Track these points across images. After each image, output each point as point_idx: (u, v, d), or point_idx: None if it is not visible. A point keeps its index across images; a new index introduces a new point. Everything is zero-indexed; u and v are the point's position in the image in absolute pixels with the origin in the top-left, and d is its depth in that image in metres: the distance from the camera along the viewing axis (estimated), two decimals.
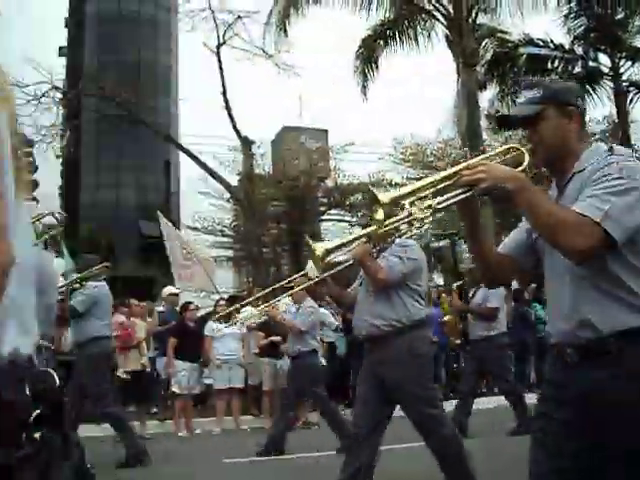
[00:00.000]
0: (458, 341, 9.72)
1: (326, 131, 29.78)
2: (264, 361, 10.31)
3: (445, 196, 2.20)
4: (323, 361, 10.41)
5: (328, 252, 3.80)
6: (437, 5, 16.63)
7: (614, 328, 2.09)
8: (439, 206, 2.18)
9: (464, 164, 2.20)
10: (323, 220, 25.91)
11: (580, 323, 2.15)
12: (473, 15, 16.37)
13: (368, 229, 4.20)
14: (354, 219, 25.20)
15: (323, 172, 24.01)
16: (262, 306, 7.06)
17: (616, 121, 19.61)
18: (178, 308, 10.91)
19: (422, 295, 4.51)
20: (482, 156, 2.33)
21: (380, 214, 2.19)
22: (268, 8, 17.43)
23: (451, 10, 16.24)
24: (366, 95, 17.75)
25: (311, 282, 5.53)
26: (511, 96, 18.44)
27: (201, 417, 10.68)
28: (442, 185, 2.20)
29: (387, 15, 17.13)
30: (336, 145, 24.94)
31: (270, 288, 6.84)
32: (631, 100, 18.52)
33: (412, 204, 2.17)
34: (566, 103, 2.30)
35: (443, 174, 2.23)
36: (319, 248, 3.66)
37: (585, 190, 2.12)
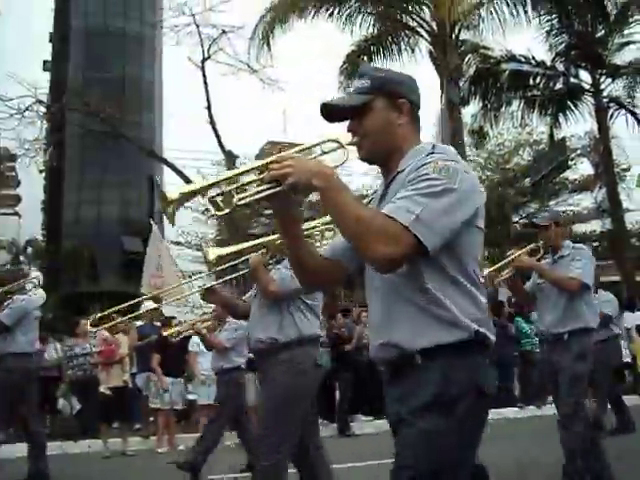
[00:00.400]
0: None
1: None
2: (249, 377, 10.24)
3: (249, 192, 1.96)
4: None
5: (220, 258, 3.70)
6: (421, 22, 16.79)
7: (421, 344, 1.92)
8: (241, 202, 1.95)
9: (274, 156, 1.96)
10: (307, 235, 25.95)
11: (389, 337, 1.98)
12: (456, 31, 16.52)
13: (265, 238, 4.15)
14: None
15: None
16: (189, 321, 6.94)
17: (597, 137, 19.82)
18: (158, 323, 10.81)
19: (316, 311, 4.29)
20: (296, 148, 2.07)
21: (171, 211, 1.96)
22: (253, 23, 17.51)
23: (435, 27, 16.39)
24: None
25: (201, 289, 5.28)
26: (494, 112, 18.62)
27: (184, 433, 10.59)
28: (248, 179, 1.98)
29: (371, 31, 17.27)
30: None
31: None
32: (612, 116, 18.75)
33: (212, 199, 1.95)
34: (396, 95, 2.09)
35: (250, 166, 2.03)
36: (212, 253, 3.56)
37: (400, 191, 1.92)
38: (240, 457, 7.58)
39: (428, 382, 1.90)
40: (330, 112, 2.12)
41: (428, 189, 1.86)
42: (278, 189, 1.92)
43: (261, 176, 1.95)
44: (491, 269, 5.08)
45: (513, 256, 4.94)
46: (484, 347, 1.97)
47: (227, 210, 1.96)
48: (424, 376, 1.91)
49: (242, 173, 2.01)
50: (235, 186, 1.95)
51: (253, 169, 1.99)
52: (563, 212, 26.26)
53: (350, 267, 2.17)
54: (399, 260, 1.85)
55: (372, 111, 2.07)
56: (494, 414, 10.14)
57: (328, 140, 2.11)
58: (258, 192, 1.95)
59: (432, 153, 1.98)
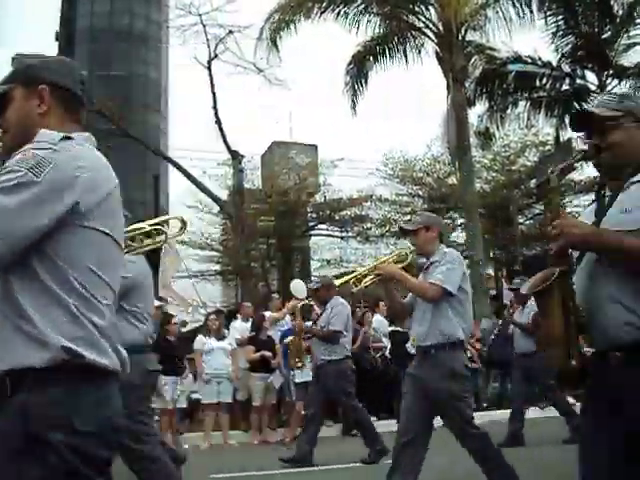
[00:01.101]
0: (300, 364, 9.19)
1: (315, 146, 29.91)
2: (255, 376, 10.24)
3: None
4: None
5: None
6: (427, 22, 16.78)
7: (9, 365, 1.63)
8: None
9: None
10: (312, 235, 25.95)
11: None
12: (462, 32, 16.51)
13: None
14: (343, 234, 25.27)
15: (312, 187, 24.10)
16: None
17: None
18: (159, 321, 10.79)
19: (141, 316, 4.10)
20: None
21: None
22: (260, 23, 17.52)
23: (441, 27, 16.37)
24: (356, 110, 17.83)
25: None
26: (500, 113, 18.59)
27: (189, 432, 10.59)
28: None
29: (377, 31, 17.27)
30: (325, 160, 25.07)
31: None
32: None
33: None
34: (36, 80, 1.83)
35: None
36: None
37: None
38: (243, 456, 7.60)
39: (11, 414, 1.60)
40: None
41: (1, 184, 1.62)
42: None
43: None
44: (348, 277, 4.79)
45: (376, 263, 4.62)
46: (90, 373, 1.68)
47: None
48: (9, 406, 1.62)
49: None
50: None
51: None
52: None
53: None
54: None
55: (12, 102, 1.84)
56: (499, 415, 10.14)
57: None
58: None
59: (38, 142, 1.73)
